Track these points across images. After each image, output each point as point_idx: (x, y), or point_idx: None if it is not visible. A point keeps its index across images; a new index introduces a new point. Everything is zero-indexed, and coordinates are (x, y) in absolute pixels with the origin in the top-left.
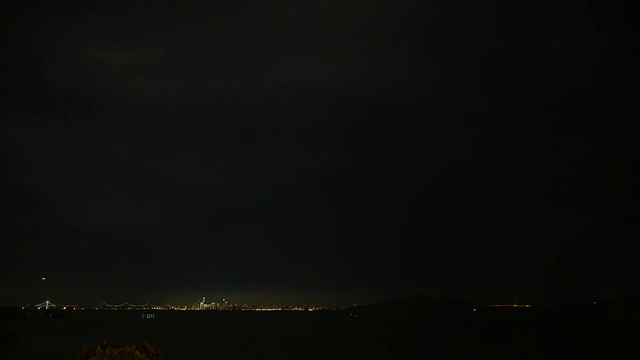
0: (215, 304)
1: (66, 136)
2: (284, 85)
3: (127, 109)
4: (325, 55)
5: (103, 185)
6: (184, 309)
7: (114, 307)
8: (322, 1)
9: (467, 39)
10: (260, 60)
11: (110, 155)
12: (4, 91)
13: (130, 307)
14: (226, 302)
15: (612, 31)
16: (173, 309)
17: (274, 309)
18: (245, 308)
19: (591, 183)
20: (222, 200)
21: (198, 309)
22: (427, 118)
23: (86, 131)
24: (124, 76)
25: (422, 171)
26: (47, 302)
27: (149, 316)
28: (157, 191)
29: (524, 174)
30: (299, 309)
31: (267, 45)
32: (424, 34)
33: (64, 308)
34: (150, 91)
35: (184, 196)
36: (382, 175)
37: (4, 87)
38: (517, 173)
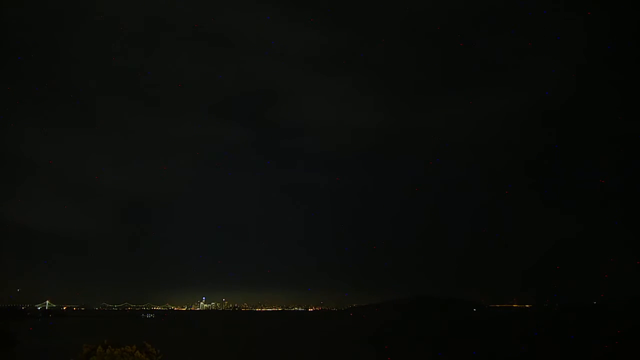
0: (215, 304)
1: (66, 137)
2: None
3: (129, 110)
4: None
5: (103, 185)
6: (184, 309)
7: (114, 307)
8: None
9: (467, 39)
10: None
11: (109, 155)
12: (4, 91)
13: (130, 307)
14: (226, 302)
15: (612, 31)
16: (173, 309)
17: (274, 309)
18: (245, 308)
19: (591, 183)
20: (223, 200)
21: (198, 309)
22: (427, 118)
23: (85, 132)
24: (124, 76)
25: (422, 171)
26: (47, 302)
27: (149, 316)
28: (157, 191)
29: (525, 174)
30: (299, 309)
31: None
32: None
33: (64, 308)
34: (151, 91)
35: (183, 196)
36: (382, 175)
37: (4, 87)
38: (517, 173)
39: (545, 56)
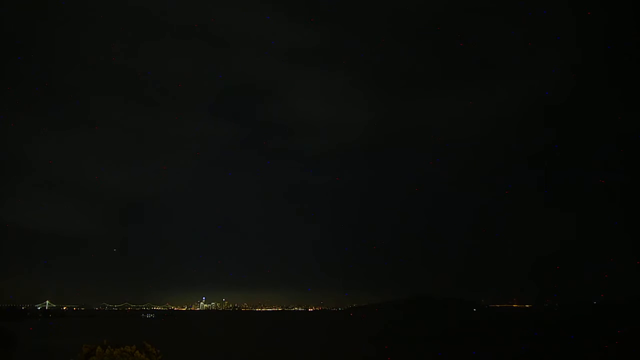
0: (215, 304)
1: (66, 137)
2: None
3: (128, 110)
4: None
5: (103, 185)
6: (184, 309)
7: (114, 307)
8: None
9: (466, 39)
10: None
11: (109, 155)
12: (4, 91)
13: (130, 307)
14: (226, 302)
15: (611, 31)
16: (173, 309)
17: (274, 309)
18: (245, 308)
19: (591, 183)
20: (222, 200)
21: (198, 309)
22: (426, 118)
23: (85, 132)
24: (124, 76)
25: (422, 171)
26: (47, 302)
27: (149, 316)
28: (157, 191)
29: (524, 174)
30: (299, 309)
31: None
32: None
33: (64, 308)
34: (151, 91)
35: (183, 196)
36: (383, 175)
37: (4, 87)
38: (517, 173)
39: (545, 56)
